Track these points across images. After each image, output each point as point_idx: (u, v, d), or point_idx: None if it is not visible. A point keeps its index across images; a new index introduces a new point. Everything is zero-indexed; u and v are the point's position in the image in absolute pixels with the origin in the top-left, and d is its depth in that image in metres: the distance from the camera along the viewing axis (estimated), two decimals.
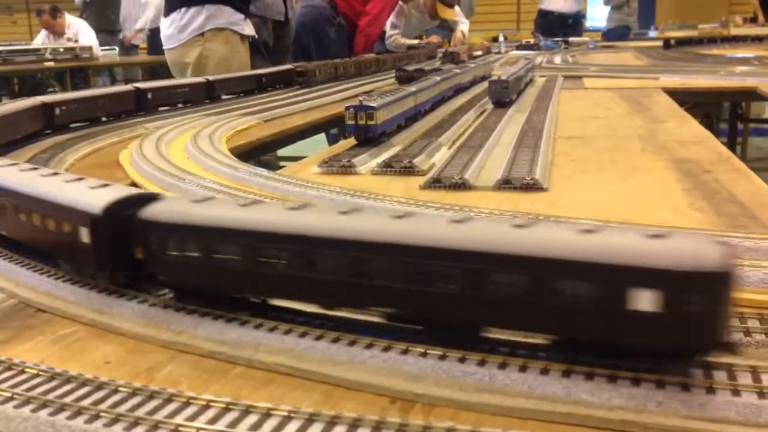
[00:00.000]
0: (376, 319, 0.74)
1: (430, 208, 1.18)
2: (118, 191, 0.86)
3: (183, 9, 3.69)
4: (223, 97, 2.88)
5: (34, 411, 0.59)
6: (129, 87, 2.44)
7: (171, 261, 0.79)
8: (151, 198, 0.84)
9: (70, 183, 0.90)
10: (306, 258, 0.71)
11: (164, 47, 3.88)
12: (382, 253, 0.67)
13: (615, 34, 9.00)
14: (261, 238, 0.73)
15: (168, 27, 3.76)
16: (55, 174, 0.96)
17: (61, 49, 7.39)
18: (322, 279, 0.71)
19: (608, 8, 9.96)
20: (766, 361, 0.64)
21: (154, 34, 8.84)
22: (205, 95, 2.75)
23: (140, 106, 2.42)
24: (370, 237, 0.68)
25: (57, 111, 2.05)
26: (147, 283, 0.85)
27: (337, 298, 0.73)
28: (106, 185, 0.89)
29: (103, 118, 2.29)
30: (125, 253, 0.82)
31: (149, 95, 2.44)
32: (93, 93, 2.34)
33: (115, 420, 0.57)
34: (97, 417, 0.58)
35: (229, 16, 3.74)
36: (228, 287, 0.78)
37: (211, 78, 2.82)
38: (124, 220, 0.81)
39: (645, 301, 0.58)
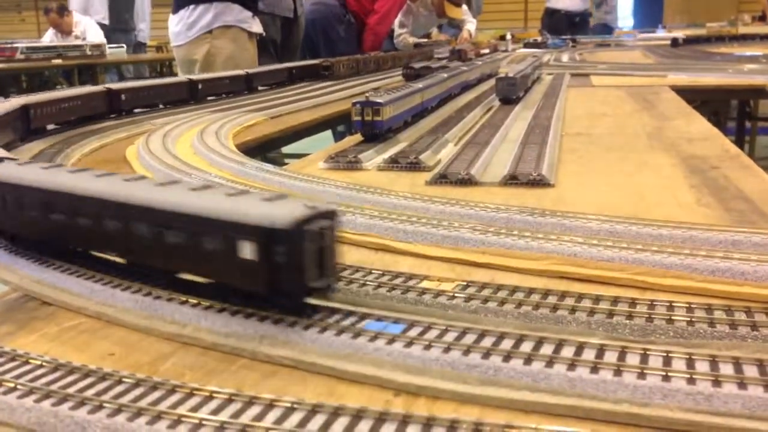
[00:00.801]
0: (384, 313, 0.75)
1: (436, 203, 1.18)
2: None
3: (191, 6, 3.69)
4: (260, 88, 3.19)
5: (37, 401, 0.59)
6: (183, 78, 2.78)
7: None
8: None
9: None
10: (67, 211, 0.88)
11: (172, 44, 3.89)
12: (111, 208, 0.84)
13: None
14: (48, 194, 0.89)
15: (176, 24, 3.77)
16: None
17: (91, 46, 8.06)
18: (79, 227, 0.88)
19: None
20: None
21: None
22: (244, 86, 3.05)
23: (192, 95, 2.68)
24: (105, 196, 0.84)
25: (123, 97, 2.36)
26: None
27: (87, 244, 0.91)
28: None
29: (160, 105, 2.56)
30: None
31: (200, 86, 2.72)
32: (152, 83, 2.67)
33: (118, 410, 0.57)
34: (100, 407, 0.58)
35: (237, 14, 3.75)
36: (40, 237, 0.95)
37: (250, 71, 3.12)
38: None
39: (247, 250, 0.72)
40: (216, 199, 0.77)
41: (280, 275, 0.71)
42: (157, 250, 0.81)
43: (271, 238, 0.70)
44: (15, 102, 1.85)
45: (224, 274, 0.77)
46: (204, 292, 0.80)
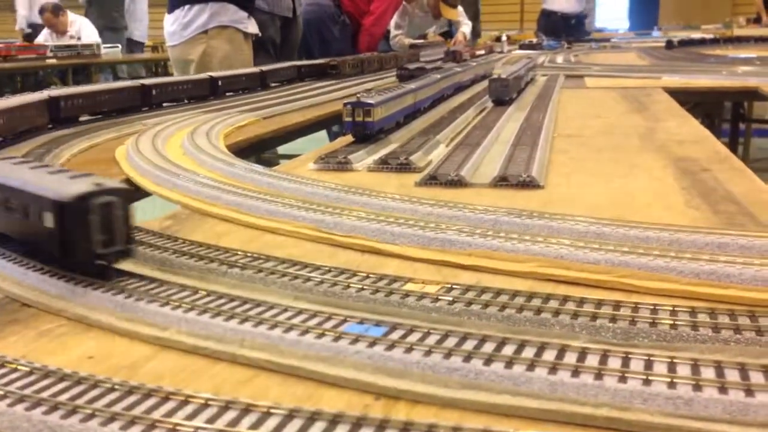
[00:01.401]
0: (366, 315, 0.75)
1: (424, 204, 1.17)
2: None
3: (187, 6, 3.68)
4: (272, 85, 3.36)
5: (10, 405, 0.58)
6: (204, 76, 2.93)
7: None
8: None
9: None
10: None
11: (167, 44, 3.88)
12: None
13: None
14: None
15: (171, 24, 3.76)
16: None
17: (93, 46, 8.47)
18: None
19: None
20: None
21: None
22: (258, 83, 3.22)
23: (213, 91, 2.89)
24: None
25: (153, 92, 2.59)
26: None
27: None
28: None
29: (185, 100, 2.77)
30: None
31: (220, 82, 2.93)
32: (178, 79, 2.93)
33: (92, 416, 0.56)
34: (73, 412, 0.57)
35: (232, 14, 3.74)
36: None
37: (264, 68, 3.33)
38: None
39: (48, 220, 0.85)
40: (38, 176, 0.92)
41: (71, 242, 0.84)
42: (3, 218, 0.96)
43: (61, 209, 0.83)
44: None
45: (40, 240, 0.90)
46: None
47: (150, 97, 2.55)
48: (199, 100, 2.77)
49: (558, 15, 8.66)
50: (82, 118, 2.25)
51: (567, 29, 8.42)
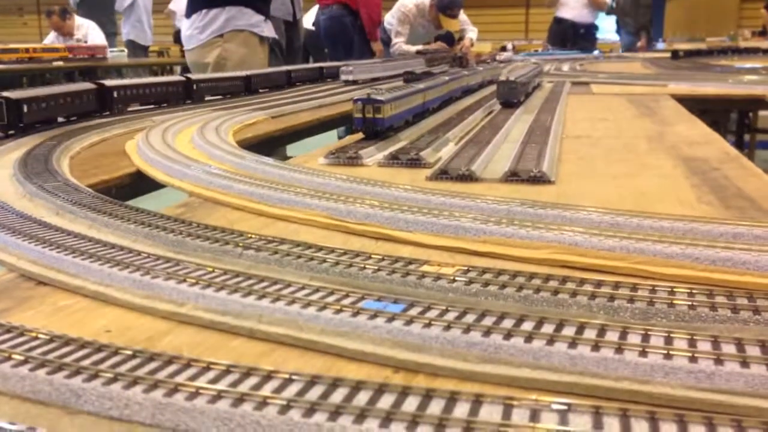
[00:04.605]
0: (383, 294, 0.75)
1: (437, 195, 1.17)
2: None
3: (204, 10, 3.71)
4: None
5: (32, 370, 0.58)
6: (282, 68, 3.45)
7: None
8: None
9: None
10: None
11: (184, 48, 3.91)
12: None
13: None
14: None
15: (188, 28, 3.80)
16: None
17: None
18: None
19: None
20: None
21: None
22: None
23: (288, 81, 3.38)
24: None
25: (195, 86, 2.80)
26: None
27: None
28: None
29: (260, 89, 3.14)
30: None
31: (292, 74, 3.46)
32: (256, 72, 3.22)
33: (114, 379, 0.56)
34: (95, 376, 0.57)
35: (249, 18, 3.76)
36: None
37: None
38: None
39: None
40: None
41: None
42: None
43: None
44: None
45: None
46: None
47: (191, 91, 2.73)
48: (275, 89, 3.22)
49: (569, 23, 8.61)
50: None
51: (576, 38, 8.41)
